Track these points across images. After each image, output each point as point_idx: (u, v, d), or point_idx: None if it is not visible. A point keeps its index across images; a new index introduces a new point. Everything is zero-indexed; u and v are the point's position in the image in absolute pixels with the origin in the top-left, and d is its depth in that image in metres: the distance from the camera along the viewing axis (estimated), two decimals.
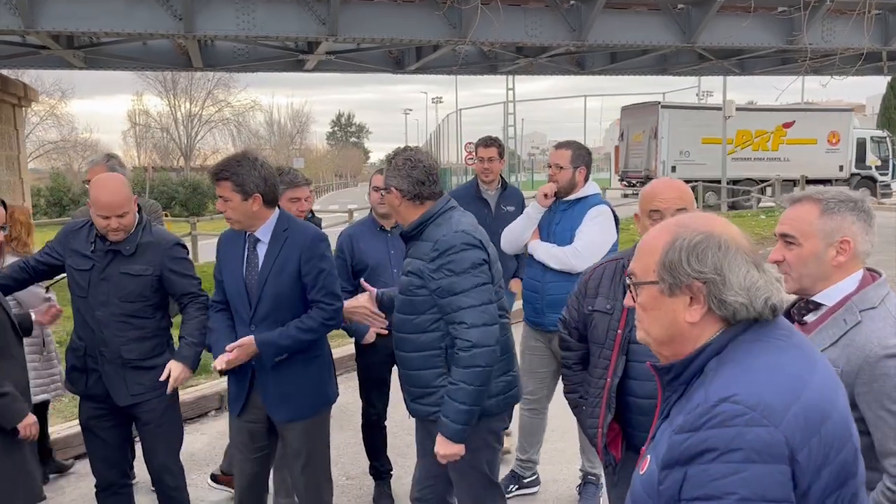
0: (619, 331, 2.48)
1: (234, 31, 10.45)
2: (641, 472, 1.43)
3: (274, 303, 2.89)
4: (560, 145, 3.93)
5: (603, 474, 4.10)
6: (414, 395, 2.85)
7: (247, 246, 2.95)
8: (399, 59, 14.19)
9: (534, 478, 4.34)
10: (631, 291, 1.49)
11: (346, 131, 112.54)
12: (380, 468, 4.27)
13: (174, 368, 3.12)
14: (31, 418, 2.92)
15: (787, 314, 2.04)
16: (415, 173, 2.74)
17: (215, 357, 2.99)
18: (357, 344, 4.05)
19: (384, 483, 4.25)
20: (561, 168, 3.82)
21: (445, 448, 2.63)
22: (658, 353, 1.49)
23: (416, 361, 2.78)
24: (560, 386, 4.04)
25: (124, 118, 64.68)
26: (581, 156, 3.81)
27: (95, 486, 3.43)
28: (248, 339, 2.90)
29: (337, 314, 2.98)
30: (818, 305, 2.02)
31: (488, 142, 4.72)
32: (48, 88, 38.25)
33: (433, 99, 67.53)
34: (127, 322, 3.19)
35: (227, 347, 2.90)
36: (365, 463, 4.39)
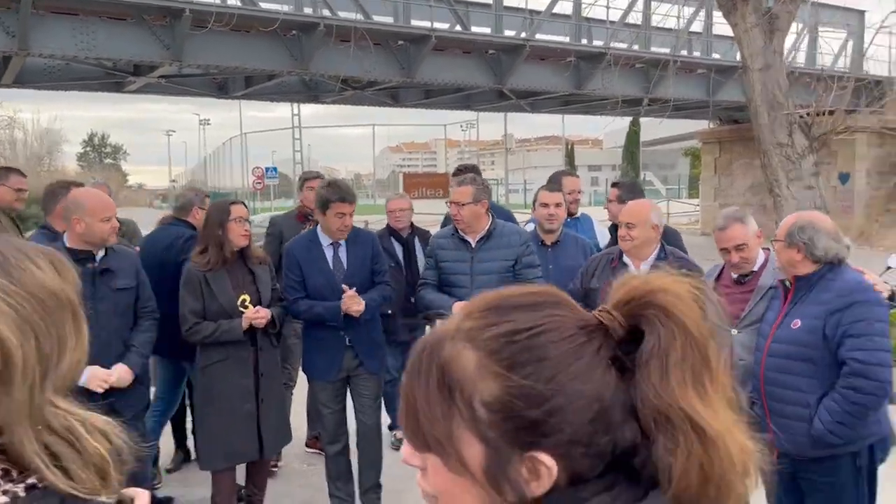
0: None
1: (72, 52, 10.23)
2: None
3: (359, 289, 3.65)
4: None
5: None
6: None
7: (334, 250, 3.71)
8: (223, 85, 14.41)
9: None
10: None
11: (101, 152, 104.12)
12: None
13: (123, 373, 3.18)
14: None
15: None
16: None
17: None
18: None
19: None
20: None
21: None
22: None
23: None
24: None
25: None
26: None
27: None
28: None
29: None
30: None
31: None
32: None
33: (201, 120, 65.40)
34: (121, 336, 3.24)
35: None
36: None
